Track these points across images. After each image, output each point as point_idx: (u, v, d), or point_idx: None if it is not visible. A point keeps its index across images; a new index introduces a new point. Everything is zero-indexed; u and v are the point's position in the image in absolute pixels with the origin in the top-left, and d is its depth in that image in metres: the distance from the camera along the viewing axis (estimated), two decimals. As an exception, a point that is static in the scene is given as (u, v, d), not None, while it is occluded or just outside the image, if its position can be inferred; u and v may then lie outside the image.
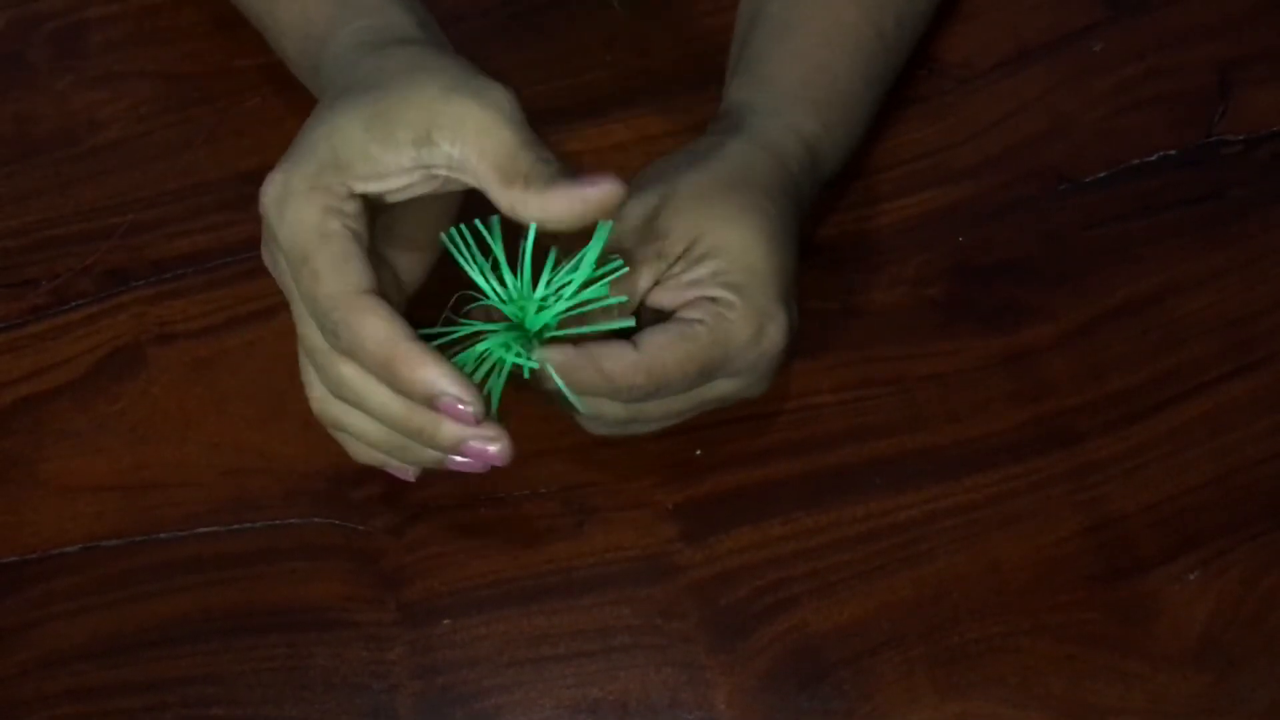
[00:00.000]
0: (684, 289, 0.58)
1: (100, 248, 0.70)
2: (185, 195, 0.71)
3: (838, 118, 0.65)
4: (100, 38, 0.76)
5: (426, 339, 0.53)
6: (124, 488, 0.64)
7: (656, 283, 0.58)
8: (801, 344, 0.60)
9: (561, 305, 0.55)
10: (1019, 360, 0.66)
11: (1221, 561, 0.61)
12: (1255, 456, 0.63)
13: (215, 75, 0.74)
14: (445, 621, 0.61)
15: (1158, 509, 0.62)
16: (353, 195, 0.54)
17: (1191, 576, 0.61)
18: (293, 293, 0.55)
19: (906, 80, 0.72)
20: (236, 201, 0.70)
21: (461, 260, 0.55)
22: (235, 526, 0.63)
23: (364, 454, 0.58)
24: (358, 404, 0.55)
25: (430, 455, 0.55)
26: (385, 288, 0.56)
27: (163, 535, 0.63)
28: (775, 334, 0.58)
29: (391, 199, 0.55)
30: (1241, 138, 0.71)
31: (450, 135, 0.53)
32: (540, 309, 0.55)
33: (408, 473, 0.58)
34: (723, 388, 0.59)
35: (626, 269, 0.55)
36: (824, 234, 0.69)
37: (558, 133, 0.71)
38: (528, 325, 0.55)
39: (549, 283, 0.55)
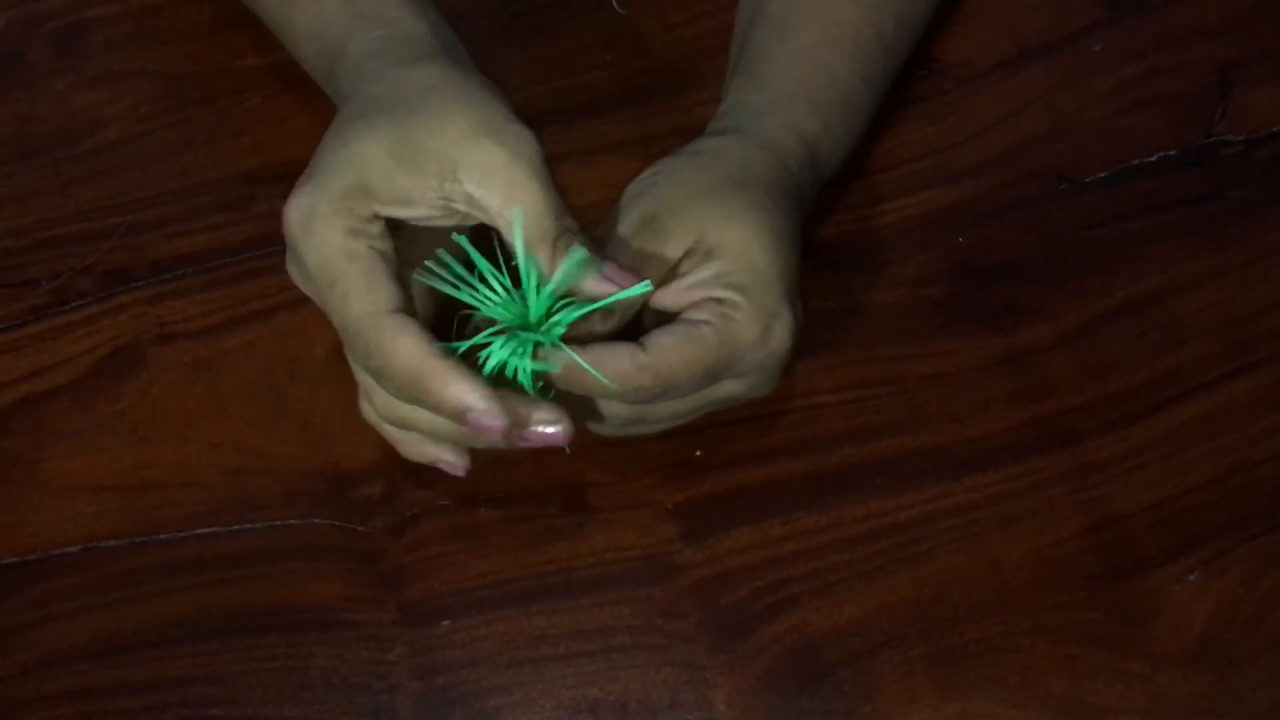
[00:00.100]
0: (687, 291, 0.58)
1: (100, 248, 0.70)
2: (185, 195, 0.71)
3: (837, 117, 0.65)
4: (100, 38, 0.76)
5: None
6: (124, 488, 0.64)
7: (658, 285, 0.58)
8: (801, 344, 0.60)
9: (577, 311, 0.55)
10: (1019, 360, 0.66)
11: (1221, 562, 0.61)
12: (1255, 457, 0.63)
13: (215, 75, 0.74)
14: (445, 622, 0.61)
15: (1158, 509, 0.62)
16: (376, 217, 0.55)
17: (1191, 577, 0.61)
18: (327, 307, 0.56)
19: (906, 80, 0.72)
20: (237, 201, 0.70)
21: (450, 287, 0.55)
22: (235, 527, 0.63)
23: (419, 451, 0.59)
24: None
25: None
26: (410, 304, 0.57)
27: (163, 535, 0.63)
28: (781, 334, 0.58)
29: (411, 223, 0.56)
30: (1241, 138, 0.71)
31: (477, 180, 0.54)
32: (548, 314, 0.55)
33: (458, 468, 0.59)
34: (729, 388, 0.59)
35: (649, 287, 0.56)
36: (824, 234, 0.69)
37: (558, 133, 0.71)
38: (532, 327, 0.55)
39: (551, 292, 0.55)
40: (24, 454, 0.65)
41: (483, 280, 0.55)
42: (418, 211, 0.55)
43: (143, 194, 0.71)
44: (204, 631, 0.61)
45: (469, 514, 0.63)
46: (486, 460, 0.64)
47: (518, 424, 0.55)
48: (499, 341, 0.55)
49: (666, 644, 0.61)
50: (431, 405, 0.54)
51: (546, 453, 0.57)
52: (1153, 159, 0.70)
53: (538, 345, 0.55)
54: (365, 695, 0.60)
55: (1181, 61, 0.73)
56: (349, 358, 0.58)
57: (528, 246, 0.54)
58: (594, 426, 0.61)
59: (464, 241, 0.55)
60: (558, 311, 0.55)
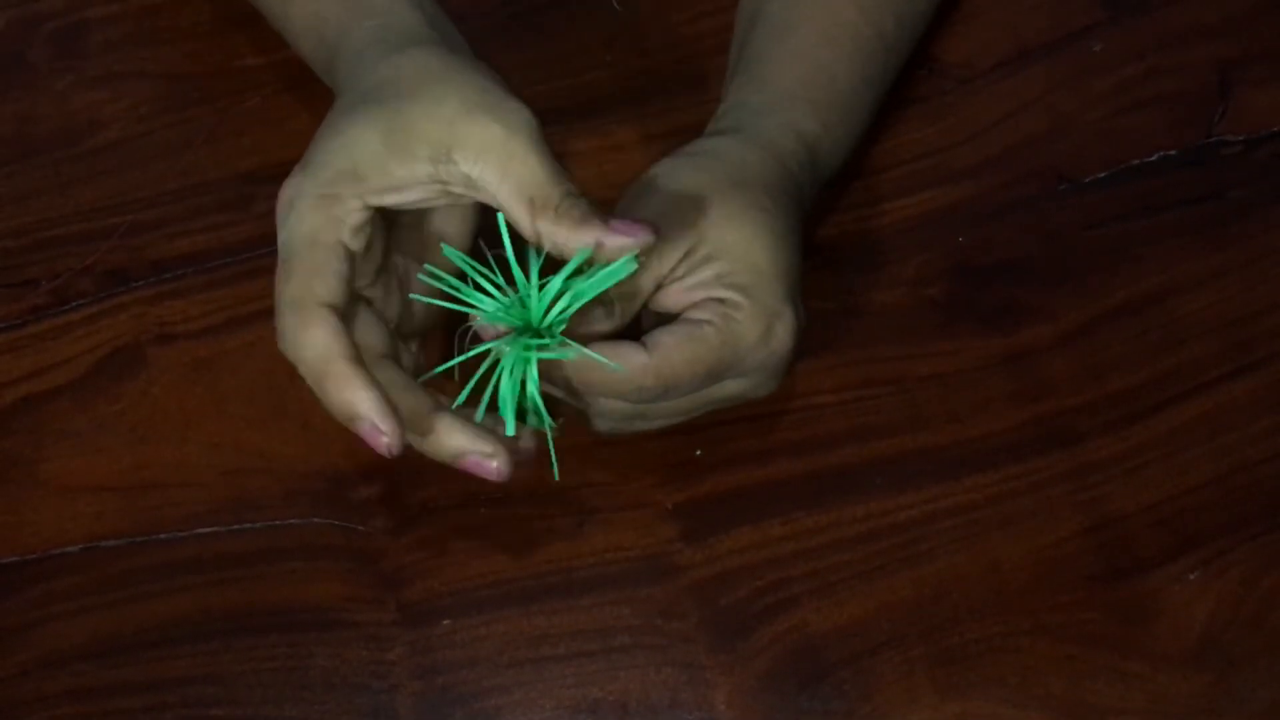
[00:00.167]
0: (688, 291, 0.58)
1: (100, 248, 0.70)
2: (185, 195, 0.71)
3: (837, 117, 0.65)
4: (100, 38, 0.76)
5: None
6: (124, 488, 0.64)
7: (659, 286, 0.58)
8: (802, 344, 0.60)
9: (576, 301, 0.55)
10: (1019, 360, 0.66)
11: (1221, 561, 0.61)
12: (1255, 457, 0.63)
13: (215, 75, 0.74)
14: (445, 622, 0.61)
15: (1158, 509, 0.62)
16: (365, 207, 0.54)
17: (1191, 576, 0.61)
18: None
19: (906, 80, 0.72)
20: (237, 201, 0.70)
21: (448, 292, 0.55)
22: (235, 527, 0.63)
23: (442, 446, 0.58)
24: None
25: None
26: (384, 307, 0.56)
27: (163, 535, 0.63)
28: (783, 334, 0.58)
29: (407, 209, 0.56)
30: (1241, 138, 0.71)
31: (472, 157, 0.54)
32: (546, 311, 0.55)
33: (490, 469, 0.56)
34: (731, 387, 0.59)
35: (635, 266, 0.55)
36: (824, 234, 0.69)
37: (558, 133, 0.71)
38: (536, 326, 0.55)
39: (549, 284, 0.55)
40: (24, 454, 0.65)
41: (479, 288, 0.55)
42: (410, 197, 0.55)
43: (143, 194, 0.71)
44: (204, 631, 0.61)
45: (469, 514, 0.63)
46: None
47: (457, 452, 0.55)
48: (505, 343, 0.55)
49: (666, 644, 0.61)
50: (329, 406, 0.54)
51: (547, 452, 0.57)
52: (1153, 159, 0.70)
53: (544, 344, 0.55)
54: (365, 695, 0.60)
55: (1181, 61, 0.73)
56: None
57: (533, 223, 0.54)
58: (592, 422, 0.61)
59: (454, 254, 0.55)
60: (557, 309, 0.55)
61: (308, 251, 0.54)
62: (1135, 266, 0.68)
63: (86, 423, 0.66)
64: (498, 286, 0.55)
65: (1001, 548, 0.62)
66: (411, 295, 0.56)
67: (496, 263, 0.55)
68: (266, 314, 0.67)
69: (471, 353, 0.56)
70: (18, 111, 0.74)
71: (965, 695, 0.59)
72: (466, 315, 0.57)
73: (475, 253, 0.56)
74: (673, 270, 0.58)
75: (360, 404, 0.53)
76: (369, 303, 0.58)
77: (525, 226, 0.54)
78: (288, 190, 0.55)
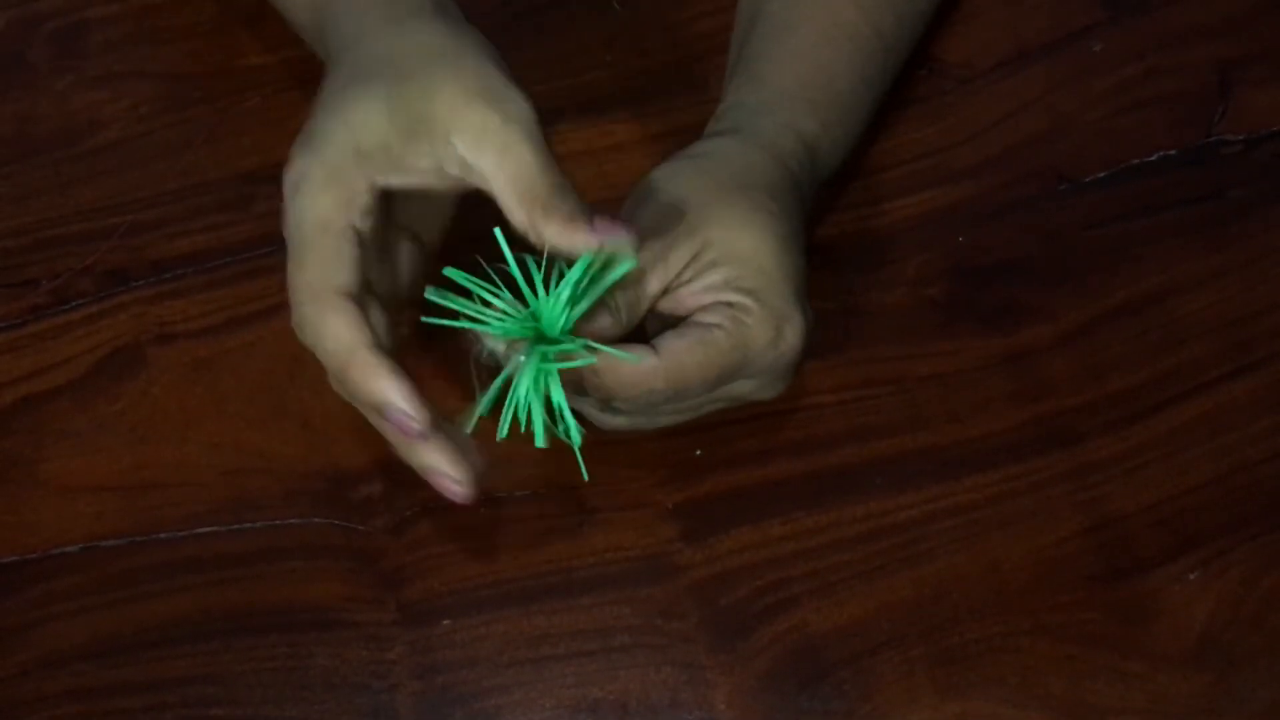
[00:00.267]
0: (695, 296, 0.58)
1: (100, 248, 0.70)
2: (185, 195, 0.71)
3: (836, 117, 0.65)
4: (100, 38, 0.76)
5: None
6: (124, 488, 0.64)
7: (665, 291, 0.58)
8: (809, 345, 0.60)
9: (584, 301, 0.55)
10: (1019, 360, 0.66)
11: (1221, 561, 0.61)
12: (1255, 457, 0.63)
13: (215, 75, 0.74)
14: (445, 621, 0.61)
15: (1158, 509, 0.62)
16: (373, 188, 0.54)
17: (1191, 576, 0.61)
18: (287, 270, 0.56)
19: (906, 80, 0.72)
20: (237, 201, 0.70)
21: (459, 311, 0.55)
22: (235, 526, 0.63)
23: (413, 454, 0.57)
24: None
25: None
26: (383, 287, 0.56)
27: (163, 535, 0.63)
28: (792, 336, 0.58)
29: (403, 189, 0.56)
30: (1241, 138, 0.71)
31: (471, 144, 0.54)
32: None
33: (456, 491, 0.55)
34: (739, 388, 0.59)
35: (634, 263, 0.55)
36: (824, 234, 0.69)
37: (558, 133, 0.71)
38: (547, 333, 0.55)
39: (559, 291, 0.55)
40: (24, 454, 0.65)
41: (484, 304, 0.55)
42: (413, 179, 0.55)
43: (143, 194, 0.71)
44: (204, 631, 0.61)
45: (469, 514, 0.63)
46: (485, 461, 0.64)
47: (431, 467, 0.54)
48: (522, 356, 0.55)
49: (666, 644, 0.61)
50: (351, 393, 0.54)
51: (547, 452, 0.57)
52: (1153, 159, 0.70)
53: (561, 352, 0.55)
54: (365, 695, 0.60)
55: (1181, 61, 0.73)
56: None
57: (525, 215, 0.53)
58: (597, 421, 0.61)
59: (456, 273, 0.55)
60: (565, 313, 0.55)
61: (321, 238, 0.54)
62: (1135, 266, 0.68)
63: (86, 422, 0.66)
64: (496, 293, 0.55)
65: (1001, 548, 0.62)
66: (424, 318, 0.56)
67: (498, 275, 0.55)
68: (267, 314, 0.68)
69: (503, 375, 0.55)
70: (18, 111, 0.74)
71: (965, 695, 0.59)
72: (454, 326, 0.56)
73: (473, 267, 0.56)
74: (678, 275, 0.58)
75: (389, 392, 0.53)
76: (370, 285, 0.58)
77: (515, 217, 0.54)
78: (294, 170, 0.55)
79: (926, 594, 0.61)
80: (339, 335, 0.53)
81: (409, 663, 0.61)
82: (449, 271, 0.55)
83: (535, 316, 0.55)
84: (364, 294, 0.55)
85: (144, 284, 0.69)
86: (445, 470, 0.55)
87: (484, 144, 0.53)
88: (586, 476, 0.58)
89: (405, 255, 0.59)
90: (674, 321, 0.58)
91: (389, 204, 0.56)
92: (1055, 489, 0.63)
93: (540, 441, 0.55)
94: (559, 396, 0.55)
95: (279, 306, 0.68)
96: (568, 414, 0.55)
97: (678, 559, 0.62)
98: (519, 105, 0.54)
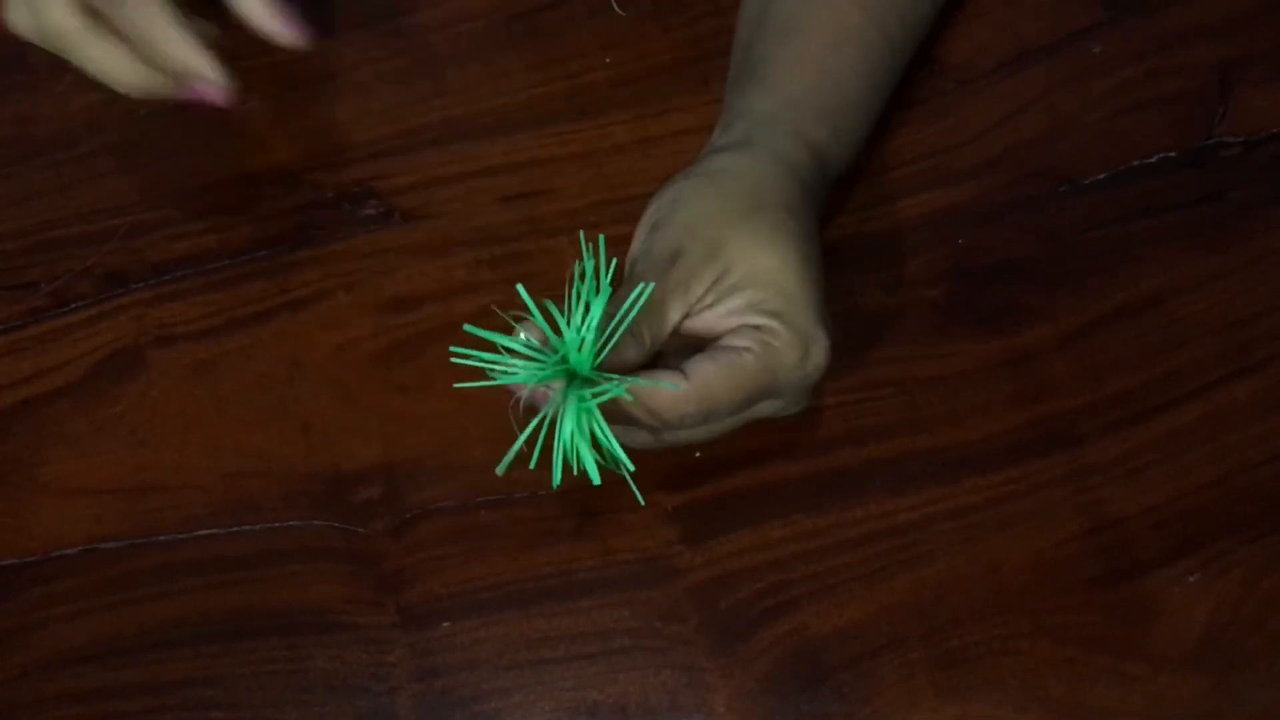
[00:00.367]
0: (719, 319, 0.58)
1: (100, 250, 0.70)
2: (185, 197, 0.71)
3: (844, 122, 0.65)
4: (100, 39, 0.76)
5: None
6: (123, 490, 0.64)
7: (687, 315, 0.58)
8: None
9: (611, 334, 0.55)
10: (1019, 362, 0.66)
11: (1221, 563, 0.61)
12: (1255, 458, 0.63)
13: (215, 77, 0.74)
14: (445, 624, 0.61)
15: (1158, 511, 0.62)
16: None
17: (1191, 578, 0.61)
18: None
19: (908, 81, 0.72)
20: (236, 204, 0.70)
21: (487, 367, 0.55)
22: (235, 529, 0.63)
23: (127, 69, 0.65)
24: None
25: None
26: None
27: (162, 538, 0.63)
28: (819, 355, 0.58)
29: None
30: (1241, 139, 0.71)
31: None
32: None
33: (213, 90, 0.64)
34: (764, 408, 0.59)
35: (653, 285, 0.55)
36: (824, 235, 0.68)
37: (558, 134, 0.71)
38: (577, 368, 0.55)
39: (585, 331, 0.54)
40: (24, 456, 0.65)
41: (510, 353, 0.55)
42: None
43: (142, 196, 0.71)
44: (204, 634, 0.61)
45: (469, 516, 0.63)
46: (485, 462, 0.64)
47: (191, 69, 0.62)
48: (558, 397, 0.54)
49: (666, 647, 0.61)
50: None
51: (547, 453, 0.56)
52: (1153, 160, 0.70)
53: (598, 391, 0.54)
54: (365, 698, 0.60)
55: (1181, 62, 0.72)
56: None
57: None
58: (625, 440, 0.60)
59: (473, 329, 0.54)
60: (591, 346, 0.55)
61: None
62: (1135, 268, 0.68)
63: (86, 425, 0.66)
64: (534, 348, 0.55)
65: (1001, 550, 0.62)
66: (457, 384, 0.56)
67: (515, 324, 0.55)
68: (266, 316, 0.68)
69: (542, 417, 0.55)
70: (18, 113, 0.74)
71: (965, 698, 0.59)
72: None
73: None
74: (700, 299, 0.58)
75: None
76: None
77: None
78: None
79: (926, 596, 0.61)
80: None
81: (409, 665, 0.61)
82: (469, 329, 0.55)
83: (564, 358, 0.55)
84: None
85: (144, 286, 0.69)
86: (207, 74, 0.62)
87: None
88: (643, 503, 0.58)
89: None
90: (695, 343, 0.58)
91: None
92: (1055, 491, 0.63)
93: (596, 479, 0.54)
94: (604, 430, 0.54)
95: (279, 308, 0.68)
96: (617, 448, 0.54)
97: (677, 562, 0.62)
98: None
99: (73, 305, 0.69)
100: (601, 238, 0.56)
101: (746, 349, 0.57)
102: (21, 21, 0.63)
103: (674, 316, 0.58)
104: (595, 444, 0.54)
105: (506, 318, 0.55)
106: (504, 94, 0.73)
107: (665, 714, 0.60)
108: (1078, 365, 0.65)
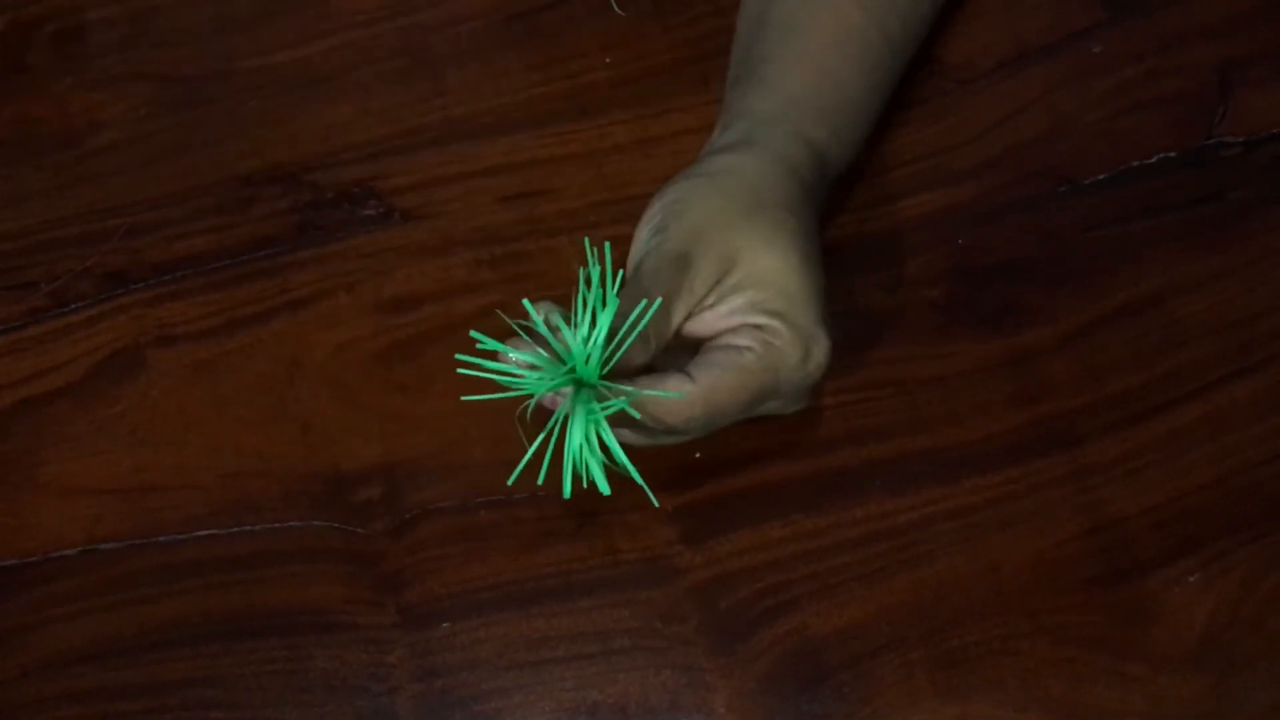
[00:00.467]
0: (720, 318, 0.58)
1: (100, 250, 0.70)
2: (185, 197, 0.71)
3: (844, 122, 0.65)
4: (100, 40, 0.76)
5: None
6: (123, 490, 0.64)
7: (689, 315, 0.58)
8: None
9: (619, 346, 0.55)
10: (1019, 362, 0.66)
11: (1222, 564, 0.61)
12: (1255, 458, 0.63)
13: (215, 77, 0.74)
14: (445, 624, 0.61)
15: (1158, 511, 0.62)
16: None
17: (1192, 579, 0.61)
18: None
19: (908, 81, 0.72)
20: (236, 204, 0.70)
21: (494, 374, 0.55)
22: (235, 529, 0.63)
23: None
24: None
25: None
26: None
27: (162, 538, 0.63)
28: (820, 355, 0.58)
29: None
30: (1241, 139, 0.71)
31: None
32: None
33: None
34: (766, 407, 0.59)
35: (660, 300, 0.55)
36: (825, 235, 0.68)
37: (558, 134, 0.71)
38: (585, 378, 0.55)
39: (595, 341, 0.54)
40: (23, 456, 0.65)
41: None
42: None
43: (142, 196, 0.71)
44: (204, 634, 0.61)
45: (468, 516, 0.63)
46: (486, 462, 0.64)
47: None
48: (565, 405, 0.54)
49: (666, 647, 0.61)
50: None
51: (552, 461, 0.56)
52: (1153, 160, 0.70)
53: (606, 403, 0.54)
54: (365, 698, 0.60)
55: (1181, 62, 0.72)
56: None
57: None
58: (624, 439, 0.60)
59: (481, 336, 0.55)
60: (599, 355, 0.55)
61: None
62: (1135, 268, 0.68)
63: (86, 425, 0.66)
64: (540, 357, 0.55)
65: (1001, 550, 0.62)
66: (464, 397, 0.56)
67: (522, 331, 0.55)
68: (266, 316, 0.68)
69: (554, 424, 0.55)
70: (17, 114, 0.74)
71: (965, 698, 0.59)
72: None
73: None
74: (702, 299, 0.58)
75: None
76: None
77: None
78: None
79: (926, 596, 0.61)
80: None
81: (409, 665, 0.61)
82: (475, 335, 0.55)
83: (571, 368, 0.55)
84: None
85: (143, 286, 0.69)
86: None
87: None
88: (656, 504, 0.58)
89: None
90: (694, 341, 0.59)
91: None
92: (1055, 491, 0.63)
93: (605, 489, 0.54)
94: (612, 441, 0.55)
95: (278, 309, 0.68)
96: (624, 458, 0.55)
97: (677, 562, 0.62)
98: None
99: (72, 305, 0.69)
100: (608, 245, 0.57)
101: (748, 349, 0.57)
102: None
103: (678, 318, 0.58)
104: (604, 452, 0.55)
105: (513, 324, 0.55)
106: (504, 94, 0.73)
107: (665, 714, 0.60)
108: (1078, 365, 0.65)
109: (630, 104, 0.72)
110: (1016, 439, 0.64)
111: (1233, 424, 0.64)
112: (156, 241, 0.70)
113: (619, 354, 0.55)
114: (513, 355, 0.55)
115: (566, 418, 0.54)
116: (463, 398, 0.56)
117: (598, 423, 0.54)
